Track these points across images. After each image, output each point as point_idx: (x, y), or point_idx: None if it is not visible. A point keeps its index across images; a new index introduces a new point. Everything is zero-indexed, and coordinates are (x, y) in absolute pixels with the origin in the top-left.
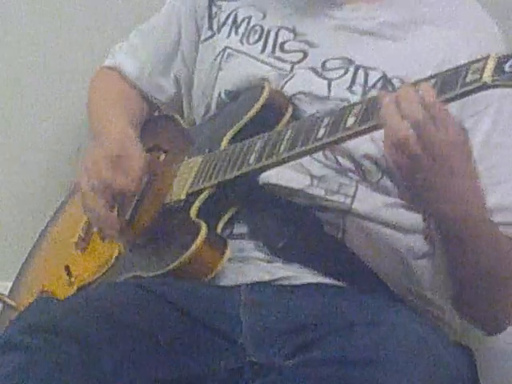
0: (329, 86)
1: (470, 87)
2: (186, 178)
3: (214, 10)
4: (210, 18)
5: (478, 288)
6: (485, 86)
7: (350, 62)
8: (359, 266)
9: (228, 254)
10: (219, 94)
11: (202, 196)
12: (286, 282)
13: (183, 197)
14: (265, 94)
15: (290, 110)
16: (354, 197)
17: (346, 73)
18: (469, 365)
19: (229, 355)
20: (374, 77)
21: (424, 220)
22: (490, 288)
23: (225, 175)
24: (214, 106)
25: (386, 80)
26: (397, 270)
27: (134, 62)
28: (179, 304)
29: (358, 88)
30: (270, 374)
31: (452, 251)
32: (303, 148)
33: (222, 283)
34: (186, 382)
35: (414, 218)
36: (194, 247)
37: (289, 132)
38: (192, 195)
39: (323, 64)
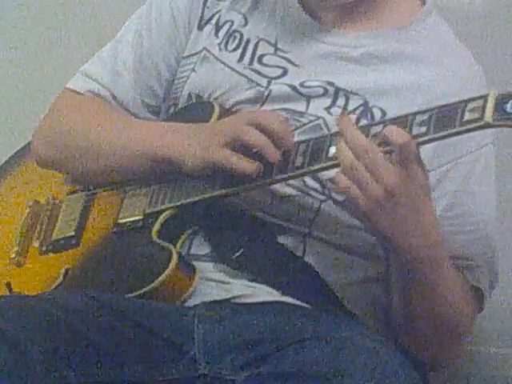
0: (307, 102)
1: (471, 126)
2: (140, 198)
3: (206, 4)
4: (202, 13)
5: (424, 326)
6: (486, 126)
7: (331, 84)
8: (317, 283)
9: (197, 278)
10: (189, 95)
11: (163, 216)
12: (243, 300)
13: (141, 216)
14: (215, 115)
15: None
16: (314, 220)
17: (325, 93)
18: (421, 377)
19: (180, 366)
20: (354, 102)
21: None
22: (436, 327)
23: (187, 198)
24: (180, 105)
25: (366, 108)
26: (355, 291)
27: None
28: (130, 314)
29: (336, 110)
30: None
31: (405, 286)
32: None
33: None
34: None
35: (372, 241)
36: (166, 273)
37: None
38: (150, 216)
39: (302, 83)
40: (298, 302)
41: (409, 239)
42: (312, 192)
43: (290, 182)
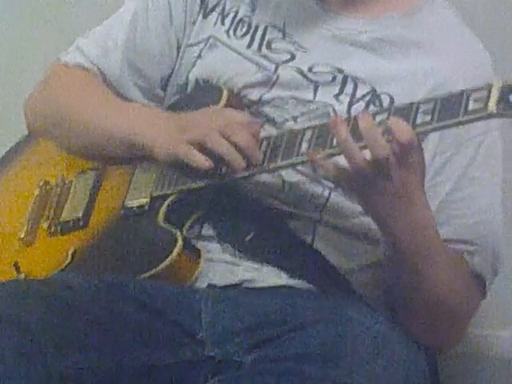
0: (315, 89)
1: (474, 116)
2: (146, 180)
3: None
4: (206, 2)
5: (419, 309)
6: (490, 116)
7: (339, 70)
8: (326, 267)
9: (202, 264)
10: (196, 81)
11: (169, 200)
12: (249, 285)
13: (147, 200)
14: (223, 99)
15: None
16: (324, 206)
17: (333, 80)
18: (428, 360)
19: (188, 349)
20: (362, 89)
21: None
22: (432, 311)
23: (193, 183)
24: (189, 90)
25: (374, 95)
26: (364, 276)
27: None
28: (137, 296)
29: (344, 98)
30: (228, 369)
31: (402, 272)
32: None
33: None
34: (142, 371)
35: None
36: (171, 257)
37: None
38: (156, 199)
39: (310, 68)
40: (306, 286)
41: (399, 223)
42: (322, 179)
43: (300, 169)
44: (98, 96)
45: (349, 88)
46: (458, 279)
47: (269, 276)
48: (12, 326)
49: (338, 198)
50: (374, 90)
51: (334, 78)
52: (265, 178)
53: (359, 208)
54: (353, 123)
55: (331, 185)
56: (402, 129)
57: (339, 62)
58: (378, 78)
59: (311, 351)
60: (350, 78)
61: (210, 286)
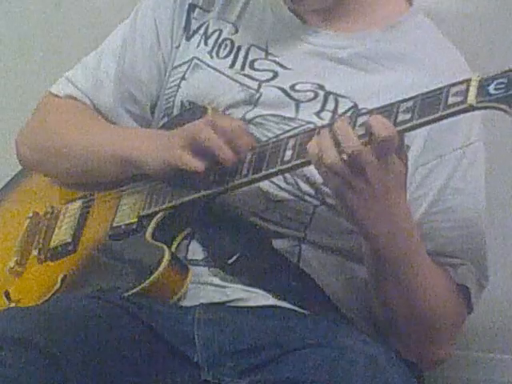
0: (297, 107)
1: (454, 109)
2: (133, 201)
3: (191, 16)
4: (186, 24)
5: (402, 323)
6: (469, 109)
7: (321, 87)
8: (313, 289)
9: (190, 277)
10: (182, 103)
11: (156, 218)
12: (240, 304)
13: (135, 219)
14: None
15: None
16: (309, 224)
17: (315, 97)
18: (418, 381)
19: (185, 373)
20: (344, 105)
21: None
22: (415, 324)
23: (180, 198)
24: (175, 112)
25: (356, 110)
26: (350, 295)
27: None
28: (142, 318)
29: (326, 114)
30: None
31: (384, 281)
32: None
33: (179, 304)
34: None
35: None
36: (159, 271)
37: (249, 154)
38: (144, 218)
39: (292, 86)
40: (294, 307)
41: (378, 225)
42: (306, 197)
43: (284, 186)
44: (89, 122)
45: (330, 105)
46: (441, 290)
47: (257, 297)
48: (36, 353)
49: (323, 215)
50: (355, 106)
51: (316, 95)
52: (249, 196)
53: (344, 225)
54: (332, 130)
55: (316, 202)
56: (381, 124)
57: (321, 78)
58: (360, 93)
59: (306, 376)
60: (331, 95)
61: (201, 305)
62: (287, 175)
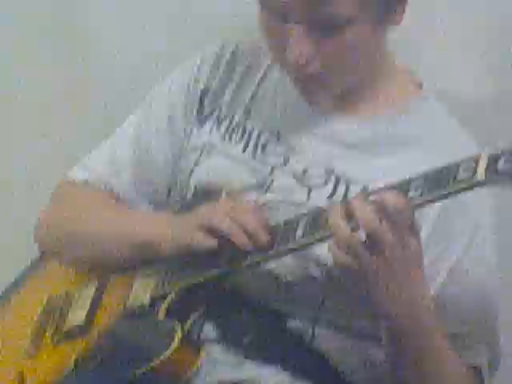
0: (308, 192)
1: (463, 185)
2: (146, 283)
3: (204, 101)
4: (200, 109)
5: None
6: (479, 184)
7: (332, 172)
8: (327, 368)
9: (203, 356)
10: (195, 188)
11: (169, 298)
12: (255, 383)
13: (147, 301)
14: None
15: None
16: (322, 305)
17: (326, 183)
18: None
19: None
20: (355, 189)
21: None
22: None
23: (191, 279)
24: (189, 197)
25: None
26: (364, 375)
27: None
28: None
29: (337, 199)
30: None
31: (400, 360)
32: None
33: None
34: None
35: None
36: (169, 349)
37: None
38: (157, 299)
39: (304, 171)
40: None
41: (395, 307)
42: (318, 279)
43: (295, 269)
44: (104, 208)
45: (341, 189)
46: (456, 371)
47: (272, 375)
48: None
49: (335, 297)
50: (365, 189)
51: (327, 180)
52: (261, 278)
53: (356, 306)
54: (347, 207)
55: (327, 285)
56: (394, 197)
57: (331, 163)
58: (370, 177)
59: None
60: (342, 179)
61: (219, 382)
62: (298, 258)
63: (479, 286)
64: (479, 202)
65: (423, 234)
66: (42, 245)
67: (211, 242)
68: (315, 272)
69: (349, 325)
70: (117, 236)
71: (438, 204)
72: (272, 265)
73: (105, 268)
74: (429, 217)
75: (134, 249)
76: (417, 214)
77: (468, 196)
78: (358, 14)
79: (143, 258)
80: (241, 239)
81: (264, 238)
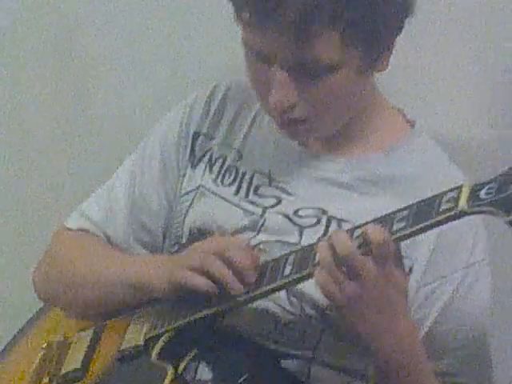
0: (300, 233)
1: (446, 215)
2: (141, 324)
3: (196, 144)
4: (192, 152)
5: None
6: (461, 214)
7: (323, 212)
8: None
9: None
10: (190, 230)
11: (163, 339)
12: None
13: (141, 342)
14: None
15: None
16: (317, 345)
17: (318, 222)
18: None
19: None
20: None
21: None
22: None
23: (183, 319)
24: (184, 240)
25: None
26: None
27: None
28: None
29: None
30: None
31: None
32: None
33: None
34: None
35: None
36: None
37: None
38: (151, 340)
39: (296, 211)
40: None
41: (381, 341)
42: (313, 320)
43: (290, 309)
44: (100, 254)
45: (333, 228)
46: None
47: None
48: None
49: (330, 337)
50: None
51: (319, 220)
52: (256, 317)
53: (352, 346)
54: (331, 241)
55: (322, 325)
56: (376, 230)
57: (323, 203)
58: (361, 216)
59: None
60: (334, 219)
61: None
62: (293, 299)
63: (471, 324)
64: (472, 238)
65: (416, 273)
66: (39, 292)
67: (201, 282)
68: (310, 312)
69: (344, 364)
70: (111, 278)
71: (430, 242)
72: (268, 304)
73: (102, 312)
74: (421, 256)
75: (128, 290)
76: (409, 252)
77: (461, 232)
78: (342, 61)
79: (138, 300)
80: (233, 285)
81: (252, 277)
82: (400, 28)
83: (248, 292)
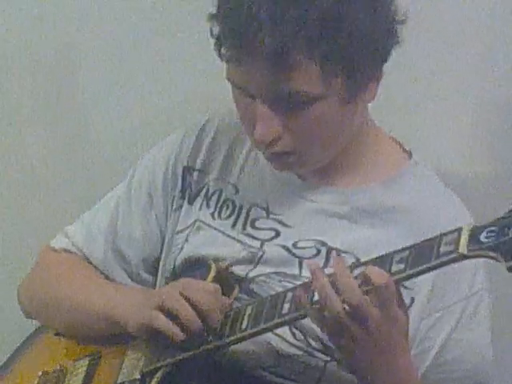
0: (300, 264)
1: (446, 258)
2: (137, 358)
3: (188, 179)
4: (183, 187)
5: None
6: (461, 257)
7: (323, 243)
8: None
9: None
10: (185, 262)
11: (159, 373)
12: None
13: (137, 376)
14: (211, 274)
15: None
16: (320, 378)
17: (318, 253)
18: None
19: None
20: (347, 261)
21: None
22: None
23: (181, 354)
24: (179, 271)
25: (359, 265)
26: None
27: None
28: None
29: (329, 270)
30: None
31: None
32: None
33: None
34: None
35: None
36: None
37: (249, 308)
38: (147, 374)
39: (295, 243)
40: None
41: (378, 378)
42: (316, 353)
43: (294, 342)
44: (81, 277)
45: (333, 260)
46: None
47: None
48: None
49: (334, 370)
50: (357, 260)
51: (319, 252)
52: (259, 350)
53: (356, 378)
54: (332, 281)
55: (326, 358)
56: (377, 273)
57: (322, 235)
58: (360, 247)
59: None
60: (333, 251)
61: None
62: (296, 331)
63: (472, 355)
64: (473, 267)
65: (417, 304)
66: (22, 306)
67: (172, 328)
68: (315, 344)
69: None
70: (89, 308)
71: (430, 275)
72: (269, 336)
73: (96, 339)
74: (423, 287)
75: (104, 323)
76: (411, 283)
77: (461, 265)
78: (324, 91)
79: (114, 333)
80: (192, 321)
81: (215, 320)
82: (385, 56)
83: (245, 329)
